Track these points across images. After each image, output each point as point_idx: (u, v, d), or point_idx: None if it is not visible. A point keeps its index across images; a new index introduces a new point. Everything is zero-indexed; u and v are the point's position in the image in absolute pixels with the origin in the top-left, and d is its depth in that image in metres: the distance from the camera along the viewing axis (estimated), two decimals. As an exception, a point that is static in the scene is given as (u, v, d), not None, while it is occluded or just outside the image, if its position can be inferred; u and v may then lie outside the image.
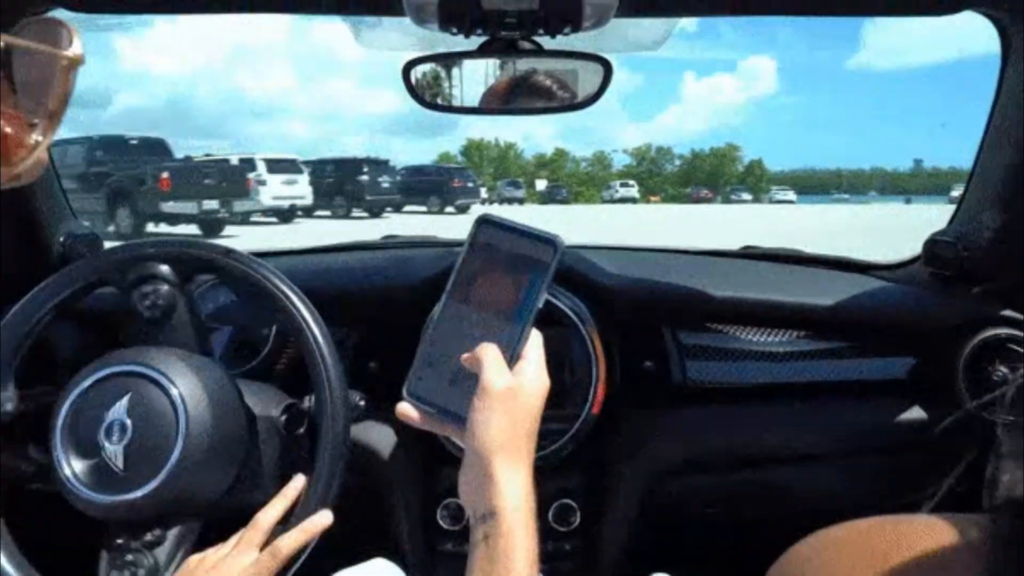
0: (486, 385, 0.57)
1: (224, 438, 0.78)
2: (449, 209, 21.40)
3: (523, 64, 1.02)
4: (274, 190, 14.80)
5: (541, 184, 54.47)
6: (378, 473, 1.03)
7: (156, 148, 14.04)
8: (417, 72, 1.04)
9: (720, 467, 1.06)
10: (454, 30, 0.92)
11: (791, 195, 50.51)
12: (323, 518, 0.76)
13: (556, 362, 1.01)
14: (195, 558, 0.74)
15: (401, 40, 1.12)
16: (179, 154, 15.40)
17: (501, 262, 0.62)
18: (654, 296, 1.10)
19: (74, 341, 1.05)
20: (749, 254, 1.35)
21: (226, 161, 15.12)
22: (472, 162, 69.49)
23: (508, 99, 1.06)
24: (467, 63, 1.03)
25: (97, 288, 0.85)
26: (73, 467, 0.75)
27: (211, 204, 12.52)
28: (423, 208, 21.65)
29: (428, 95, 1.07)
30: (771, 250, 1.35)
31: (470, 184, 23.57)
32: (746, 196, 50.89)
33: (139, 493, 0.72)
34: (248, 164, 14.82)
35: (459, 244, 0.69)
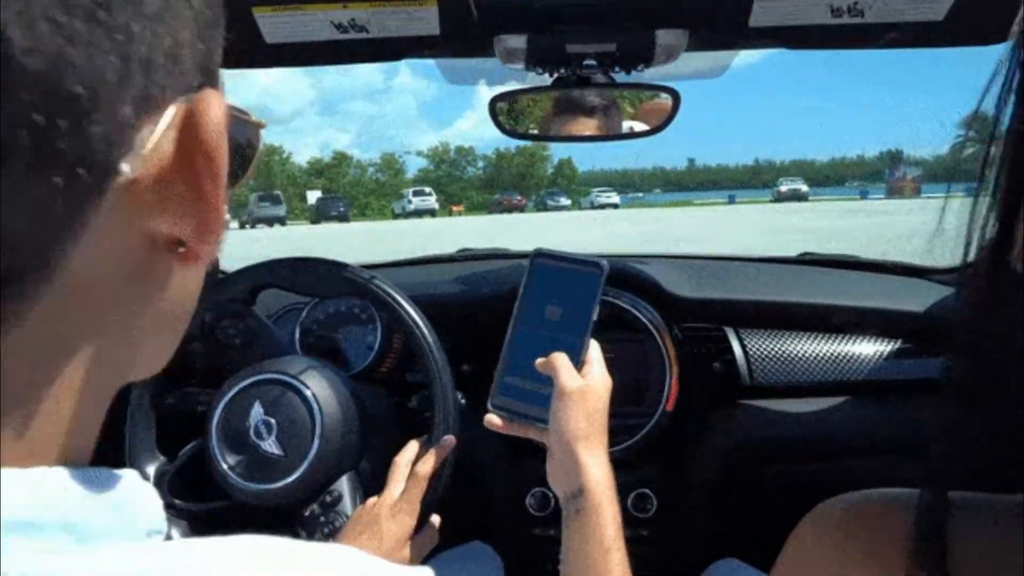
0: (563, 388, 0.67)
1: (348, 432, 0.91)
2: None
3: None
4: None
5: (313, 196, 43.17)
6: (474, 466, 1.14)
7: None
8: (500, 105, 1.15)
9: (788, 458, 1.14)
10: (539, 70, 1.02)
11: (614, 197, 43.54)
12: (448, 441, 0.86)
13: (635, 366, 1.12)
14: (359, 508, 0.85)
15: (481, 75, 1.24)
16: None
17: (557, 287, 0.73)
18: (720, 303, 1.18)
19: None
20: (807, 260, 1.42)
21: None
22: (227, 171, 62.05)
23: (554, 118, 1.15)
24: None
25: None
26: (228, 461, 0.88)
27: None
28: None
29: (508, 124, 1.19)
30: (829, 256, 1.42)
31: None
32: (564, 201, 44.33)
33: (292, 478, 0.86)
34: None
35: (525, 255, 0.79)
